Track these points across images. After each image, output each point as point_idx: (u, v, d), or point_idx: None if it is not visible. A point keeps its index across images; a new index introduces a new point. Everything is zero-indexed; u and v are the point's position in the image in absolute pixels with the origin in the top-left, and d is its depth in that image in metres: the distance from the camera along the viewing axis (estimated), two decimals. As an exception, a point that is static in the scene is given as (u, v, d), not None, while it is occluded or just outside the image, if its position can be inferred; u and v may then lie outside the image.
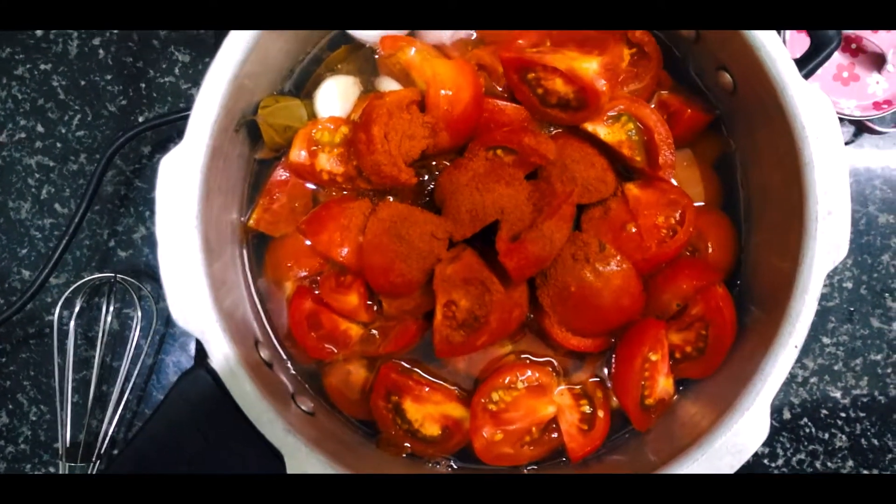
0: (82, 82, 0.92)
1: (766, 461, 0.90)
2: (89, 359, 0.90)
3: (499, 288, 0.61)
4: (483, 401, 0.66)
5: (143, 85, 0.92)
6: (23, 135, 0.92)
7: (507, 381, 0.66)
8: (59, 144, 0.92)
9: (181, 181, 0.57)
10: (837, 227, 0.57)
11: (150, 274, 0.91)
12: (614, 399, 0.69)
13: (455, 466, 0.69)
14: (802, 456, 0.90)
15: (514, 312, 0.65)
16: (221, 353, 0.57)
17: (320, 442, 0.59)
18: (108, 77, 0.92)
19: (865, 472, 0.90)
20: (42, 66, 0.92)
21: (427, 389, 0.67)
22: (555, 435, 0.68)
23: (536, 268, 0.61)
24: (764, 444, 0.89)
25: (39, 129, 0.92)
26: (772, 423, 0.90)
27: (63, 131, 0.92)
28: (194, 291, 0.57)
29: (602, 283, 0.64)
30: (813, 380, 0.90)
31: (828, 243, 0.58)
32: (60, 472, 0.87)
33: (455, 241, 0.64)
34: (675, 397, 0.68)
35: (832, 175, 0.57)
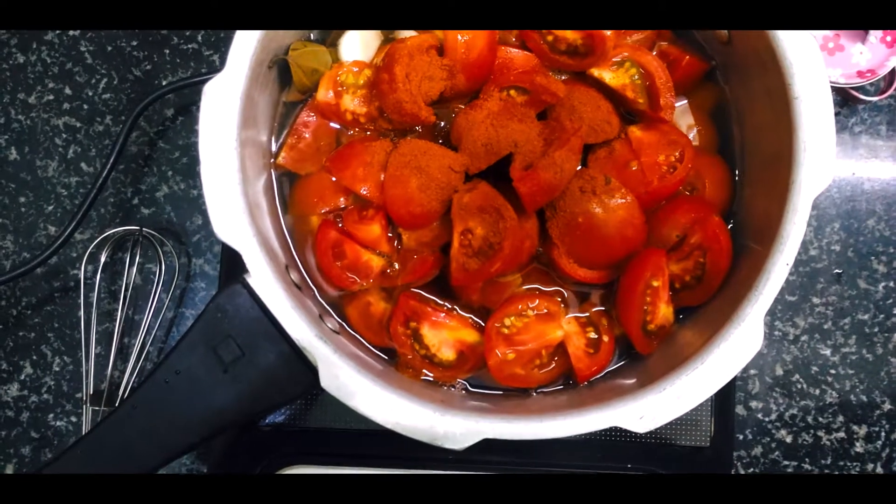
0: (109, 48, 0.97)
1: (759, 416, 0.94)
2: (112, 312, 0.94)
3: (512, 214, 0.66)
4: (496, 325, 0.70)
5: (167, 51, 0.97)
6: (51, 97, 0.96)
7: (518, 307, 0.71)
8: (85, 106, 0.96)
9: (222, 106, 0.61)
10: (823, 155, 0.63)
11: (172, 230, 0.95)
12: (618, 328, 0.73)
13: (470, 388, 0.73)
14: (795, 411, 0.94)
15: (525, 243, 0.69)
16: (259, 267, 0.61)
17: (348, 355, 0.63)
18: (134, 43, 0.97)
19: (855, 426, 0.94)
20: (71, 32, 0.97)
21: (443, 315, 0.72)
22: (564, 360, 0.72)
23: (547, 196, 0.66)
24: (758, 400, 0.95)
25: (67, 91, 0.97)
26: (765, 379, 0.95)
27: (90, 94, 0.97)
28: (233, 208, 0.62)
29: (607, 215, 0.68)
30: (804, 338, 0.95)
31: (814, 169, 0.63)
32: (84, 417, 0.90)
33: (471, 175, 0.69)
34: (676, 326, 0.73)
35: (818, 107, 0.62)
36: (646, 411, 0.61)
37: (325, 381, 0.60)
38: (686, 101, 0.77)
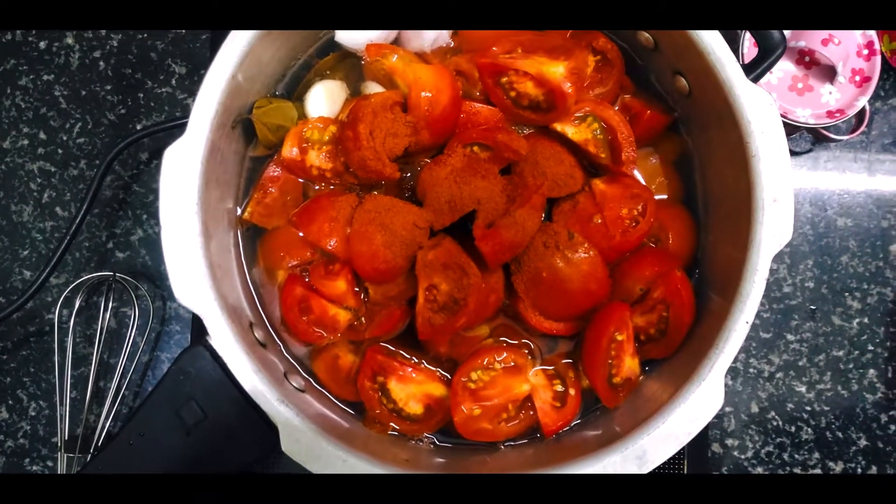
0: (83, 92, 0.97)
1: (735, 453, 0.95)
2: (87, 356, 0.94)
3: (476, 272, 0.66)
4: (463, 379, 0.71)
5: (141, 95, 0.97)
6: (25, 142, 0.97)
7: (485, 361, 0.71)
8: (60, 151, 0.97)
9: (183, 170, 0.62)
10: (782, 214, 0.63)
11: (146, 274, 0.95)
12: (585, 380, 0.73)
13: (437, 443, 0.73)
14: (771, 448, 0.94)
15: (490, 297, 0.70)
16: (219, 330, 0.62)
17: (312, 417, 0.63)
18: (108, 87, 0.97)
19: (831, 463, 0.94)
20: (45, 77, 0.97)
21: (410, 370, 0.72)
22: (531, 413, 0.73)
23: (510, 253, 0.66)
24: (734, 437, 0.95)
25: (42, 136, 0.97)
26: (741, 417, 0.95)
27: (64, 138, 0.97)
28: (194, 272, 0.62)
29: (571, 269, 0.69)
30: (779, 375, 0.95)
31: (774, 228, 0.63)
32: (59, 464, 0.90)
33: (435, 231, 0.70)
34: (641, 378, 0.73)
35: (776, 166, 0.63)
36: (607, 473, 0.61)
37: (287, 446, 0.61)
38: (651, 150, 0.77)
